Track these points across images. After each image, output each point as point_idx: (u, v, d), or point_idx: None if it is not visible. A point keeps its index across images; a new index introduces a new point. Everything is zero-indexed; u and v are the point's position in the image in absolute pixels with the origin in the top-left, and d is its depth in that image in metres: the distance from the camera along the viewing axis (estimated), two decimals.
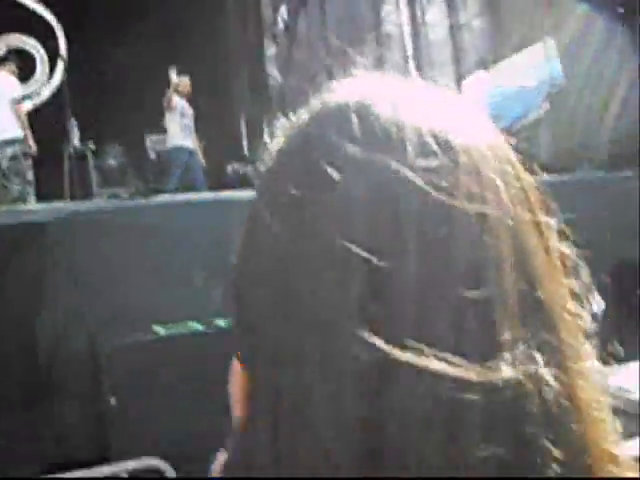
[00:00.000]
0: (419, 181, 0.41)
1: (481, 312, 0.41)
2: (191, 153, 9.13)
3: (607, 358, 0.54)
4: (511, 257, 0.42)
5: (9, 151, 7.32)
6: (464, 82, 12.90)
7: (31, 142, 7.53)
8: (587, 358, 0.47)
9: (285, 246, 0.42)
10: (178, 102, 9.13)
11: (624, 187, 6.81)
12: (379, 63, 14.41)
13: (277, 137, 0.48)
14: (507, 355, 0.40)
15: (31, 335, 4.98)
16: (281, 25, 15.01)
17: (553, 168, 7.72)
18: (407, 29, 14.08)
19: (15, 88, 7.72)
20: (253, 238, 0.46)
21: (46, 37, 11.55)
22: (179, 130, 9.07)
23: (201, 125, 10.13)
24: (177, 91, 9.15)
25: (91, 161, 7.85)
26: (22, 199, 7.23)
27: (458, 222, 0.41)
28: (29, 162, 7.50)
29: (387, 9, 14.76)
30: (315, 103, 0.48)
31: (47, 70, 10.35)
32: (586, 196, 6.60)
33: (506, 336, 0.41)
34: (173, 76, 9.19)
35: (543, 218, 0.47)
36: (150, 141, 10.55)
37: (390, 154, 0.42)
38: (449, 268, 0.41)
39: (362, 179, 0.42)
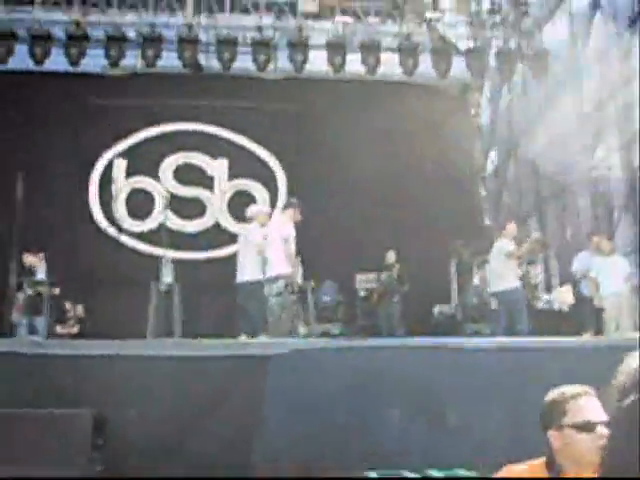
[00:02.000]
0: None
1: None
2: None
3: None
4: None
5: (275, 287, 7.96)
6: None
7: (298, 278, 7.99)
8: None
9: None
10: None
11: None
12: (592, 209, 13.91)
13: None
14: None
15: (245, 462, 5.27)
16: (490, 169, 15.36)
17: None
18: (620, 173, 13.79)
19: (290, 229, 8.26)
20: None
21: (266, 178, 12.72)
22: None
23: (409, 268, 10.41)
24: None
25: (310, 297, 8.34)
26: (292, 331, 7.79)
27: None
28: (294, 296, 8.09)
29: (599, 154, 14.60)
30: None
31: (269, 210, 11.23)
32: None
33: None
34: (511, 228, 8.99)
35: None
36: (359, 280, 10.90)
37: None
38: None
39: None
